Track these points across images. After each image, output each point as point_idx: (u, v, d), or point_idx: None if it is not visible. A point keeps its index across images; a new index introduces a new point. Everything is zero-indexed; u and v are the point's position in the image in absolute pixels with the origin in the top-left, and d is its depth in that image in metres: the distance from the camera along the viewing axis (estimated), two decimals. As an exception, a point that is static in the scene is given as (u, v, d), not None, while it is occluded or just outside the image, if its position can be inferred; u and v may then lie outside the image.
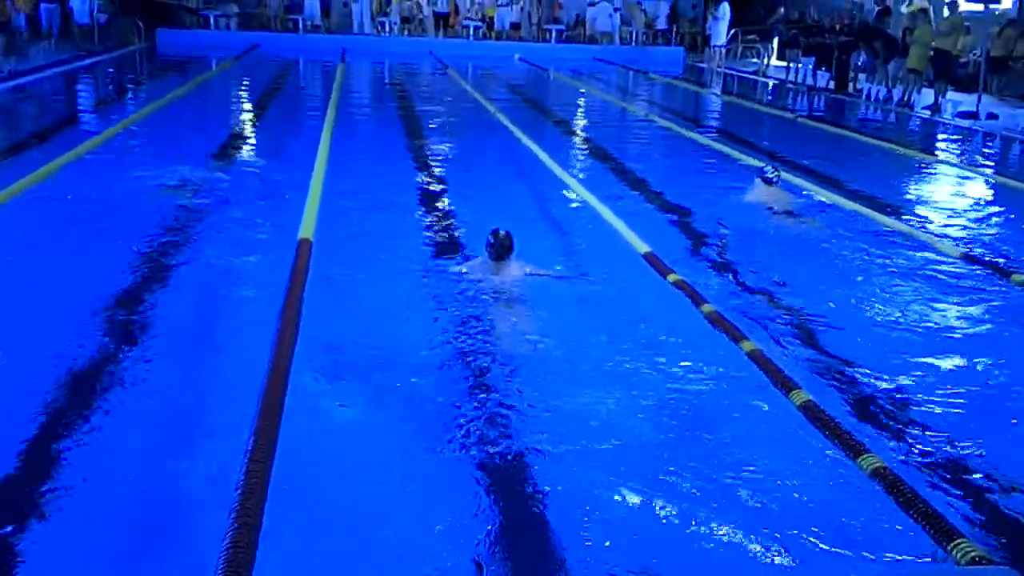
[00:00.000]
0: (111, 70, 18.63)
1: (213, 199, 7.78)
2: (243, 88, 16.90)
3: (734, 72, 22.51)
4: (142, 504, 3.36)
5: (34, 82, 15.67)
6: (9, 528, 3.10)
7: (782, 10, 22.15)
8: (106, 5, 21.51)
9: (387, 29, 25.73)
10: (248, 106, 14.63)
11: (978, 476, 3.75)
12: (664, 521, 3.30)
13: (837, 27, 19.18)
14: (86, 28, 20.69)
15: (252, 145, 10.96)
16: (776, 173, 8.21)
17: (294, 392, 3.53)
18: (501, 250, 5.50)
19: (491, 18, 26.58)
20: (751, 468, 3.63)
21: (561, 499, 3.41)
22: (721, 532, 3.24)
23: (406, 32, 26.33)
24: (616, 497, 3.41)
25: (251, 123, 12.86)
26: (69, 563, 3.05)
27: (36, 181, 7.44)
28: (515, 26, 26.75)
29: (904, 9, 18.06)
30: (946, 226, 8.07)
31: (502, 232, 5.53)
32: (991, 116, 14.42)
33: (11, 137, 11.09)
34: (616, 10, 26.43)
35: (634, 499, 3.39)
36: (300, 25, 25.06)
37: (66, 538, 3.15)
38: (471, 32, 26.03)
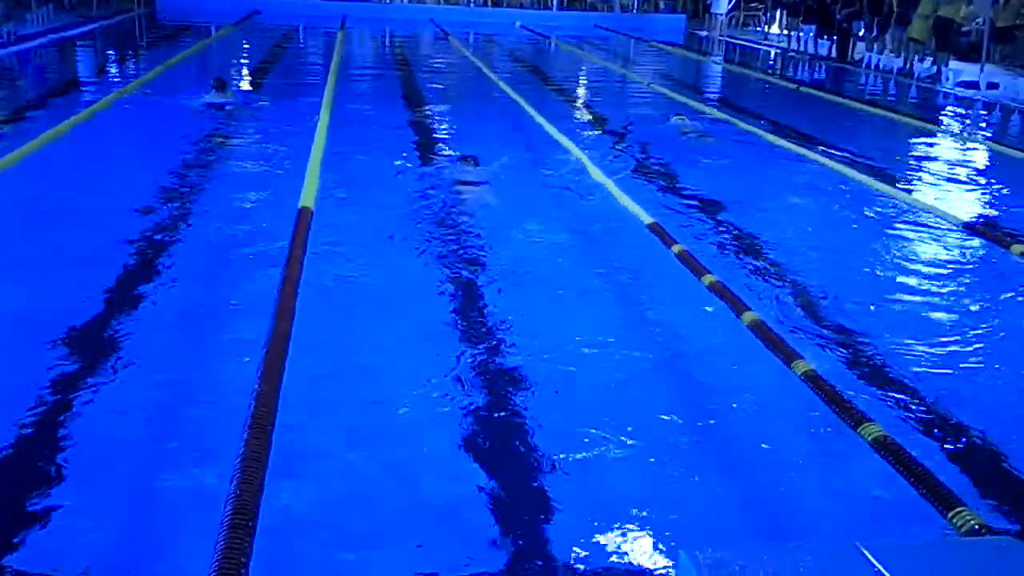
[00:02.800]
0: (114, 36, 18.54)
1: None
2: (244, 55, 16.83)
3: (736, 40, 22.39)
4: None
5: (41, 46, 15.67)
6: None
7: None
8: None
9: (387, -6, 25.59)
10: (251, 68, 14.56)
11: (973, 450, 3.81)
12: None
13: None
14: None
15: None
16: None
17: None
18: (468, 159, 7.97)
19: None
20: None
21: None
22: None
23: (406, -1, 26.19)
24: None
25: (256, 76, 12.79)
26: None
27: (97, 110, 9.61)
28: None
29: None
30: (946, 194, 8.09)
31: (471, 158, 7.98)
32: (992, 86, 14.38)
33: (44, 89, 12.48)
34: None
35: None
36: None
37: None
38: (471, -1, 25.89)
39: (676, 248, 5.48)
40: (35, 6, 17.87)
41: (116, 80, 13.12)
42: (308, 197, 6.14)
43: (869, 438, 3.20)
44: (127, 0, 22.13)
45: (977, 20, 17.30)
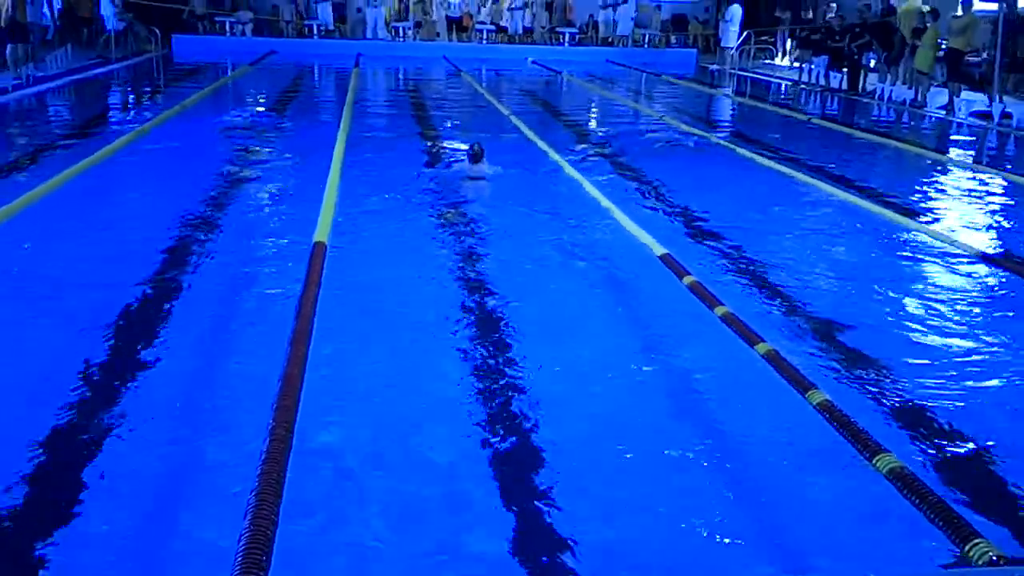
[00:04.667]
0: (133, 76, 18.85)
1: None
2: (263, 91, 17.06)
3: (747, 73, 22.49)
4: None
5: (60, 87, 15.97)
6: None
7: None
8: (123, 13, 21.67)
9: (401, 34, 25.83)
10: (267, 107, 14.74)
11: (991, 481, 3.77)
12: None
13: (847, 27, 19.11)
14: (105, 35, 20.87)
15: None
16: None
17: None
18: (477, 155, 8.91)
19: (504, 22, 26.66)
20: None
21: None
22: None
23: (419, 37, 26.43)
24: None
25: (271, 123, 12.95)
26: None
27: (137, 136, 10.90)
28: (528, 31, 26.81)
29: (900, 8, 18.04)
30: (961, 226, 8.06)
31: (476, 145, 8.96)
32: (1006, 115, 14.36)
33: (90, 116, 13.69)
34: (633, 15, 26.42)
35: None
36: (315, 31, 25.19)
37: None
38: (484, 36, 26.09)
39: (687, 279, 5.47)
40: (53, 46, 18.15)
41: (140, 116, 13.31)
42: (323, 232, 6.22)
43: (884, 469, 3.17)
44: (144, 42, 22.44)
45: (988, 50, 17.33)
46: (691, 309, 5.15)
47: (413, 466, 3.73)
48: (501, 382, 4.51)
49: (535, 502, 3.48)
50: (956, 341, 5.26)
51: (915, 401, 4.43)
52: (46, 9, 18.87)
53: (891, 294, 6.07)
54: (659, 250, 6.13)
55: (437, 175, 9.44)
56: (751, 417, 4.22)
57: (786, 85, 20.64)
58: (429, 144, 11.50)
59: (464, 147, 9.42)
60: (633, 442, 3.98)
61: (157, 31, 22.53)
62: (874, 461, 3.22)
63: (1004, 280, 6.38)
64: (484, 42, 26.03)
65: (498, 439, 3.94)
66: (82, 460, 3.66)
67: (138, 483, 3.54)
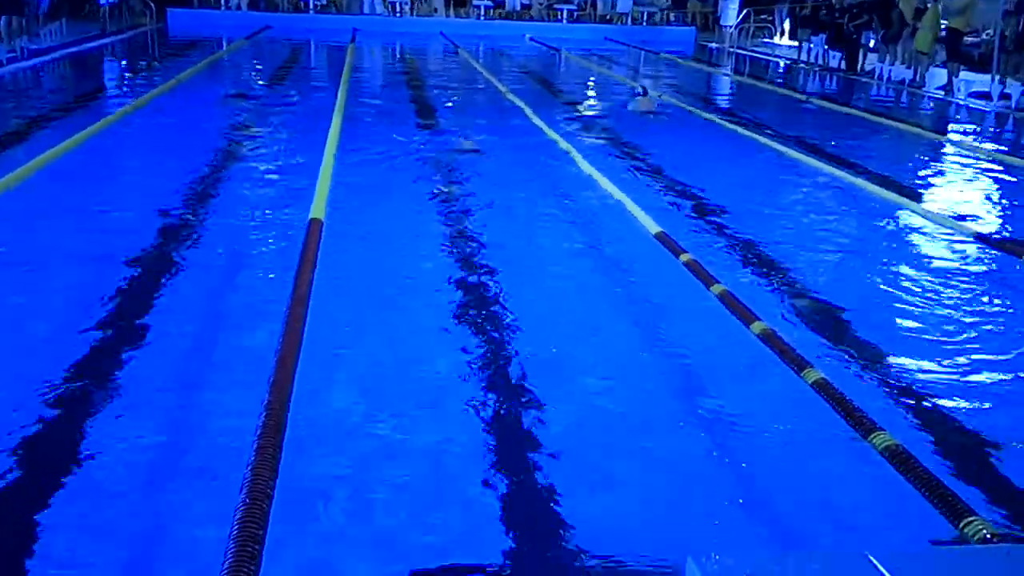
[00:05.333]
0: (128, 50, 18.72)
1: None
2: (258, 66, 16.95)
3: (745, 52, 22.39)
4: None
5: (55, 60, 15.87)
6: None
7: None
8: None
9: (398, 10, 25.65)
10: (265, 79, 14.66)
11: (989, 461, 3.79)
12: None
13: (846, 7, 19.02)
14: (97, 8, 20.69)
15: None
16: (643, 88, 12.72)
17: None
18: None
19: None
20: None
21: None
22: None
23: (415, 12, 26.25)
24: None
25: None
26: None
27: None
28: (526, 7, 26.64)
29: None
30: (959, 206, 8.05)
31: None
32: (1004, 96, 14.33)
33: (86, 89, 13.71)
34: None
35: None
36: (310, 5, 25.01)
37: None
38: (481, 12, 25.93)
39: (684, 257, 5.47)
40: (45, 22, 17.99)
41: (136, 88, 13.23)
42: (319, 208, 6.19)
43: (880, 447, 3.18)
44: (139, 16, 22.25)
45: (987, 31, 17.28)
46: (687, 287, 5.15)
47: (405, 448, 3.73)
48: (496, 364, 4.50)
49: (531, 484, 3.48)
50: (952, 320, 5.27)
51: (911, 380, 4.44)
52: None
53: (887, 273, 6.07)
54: (655, 228, 6.13)
55: (432, 147, 9.50)
56: (747, 395, 4.23)
57: (785, 64, 20.55)
58: (424, 120, 11.46)
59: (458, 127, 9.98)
60: (628, 421, 3.99)
61: (152, 4, 22.34)
62: (869, 439, 3.23)
63: (1000, 260, 6.39)
64: (482, 18, 25.86)
65: (494, 422, 3.94)
66: (73, 434, 3.66)
67: (128, 459, 3.53)
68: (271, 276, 5.50)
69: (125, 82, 14.70)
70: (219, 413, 3.84)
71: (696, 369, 4.55)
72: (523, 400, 4.08)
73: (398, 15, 25.62)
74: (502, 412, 3.97)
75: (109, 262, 5.60)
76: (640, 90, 12.70)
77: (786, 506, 3.46)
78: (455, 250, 6.21)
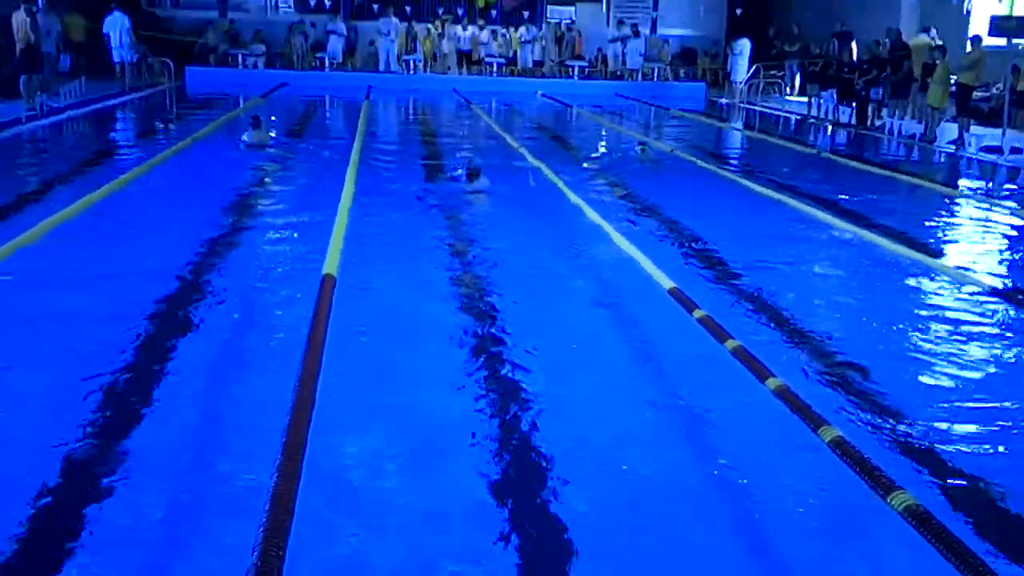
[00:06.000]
0: (146, 108, 19.03)
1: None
2: (275, 122, 17.19)
3: (756, 107, 22.56)
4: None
5: (77, 116, 16.21)
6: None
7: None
8: (137, 45, 21.88)
9: (411, 67, 26.04)
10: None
11: (1004, 515, 3.72)
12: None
13: (855, 63, 19.19)
14: (119, 66, 21.08)
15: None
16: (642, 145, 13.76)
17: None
18: (473, 173, 10.00)
19: (514, 53, 26.82)
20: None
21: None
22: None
23: (429, 70, 26.62)
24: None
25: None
26: None
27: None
28: (537, 64, 27.00)
29: (911, 43, 18.11)
30: (973, 260, 8.03)
31: (472, 167, 10.09)
32: (1016, 150, 14.36)
33: (102, 147, 14.02)
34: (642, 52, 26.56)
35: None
36: (326, 63, 25.41)
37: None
38: (494, 69, 26.29)
39: (698, 313, 5.45)
40: (65, 80, 18.32)
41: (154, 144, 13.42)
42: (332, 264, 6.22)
43: (900, 507, 3.12)
44: (158, 74, 22.64)
45: (997, 85, 17.37)
46: (701, 343, 5.12)
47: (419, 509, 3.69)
48: (508, 416, 4.48)
49: (547, 536, 3.44)
50: (968, 375, 5.21)
51: (929, 437, 4.38)
52: (54, 33, 18.95)
53: (901, 328, 6.03)
54: (668, 283, 6.12)
55: (443, 199, 9.75)
56: (761, 453, 4.19)
57: (795, 119, 20.69)
58: (437, 172, 11.61)
59: (463, 170, 10.38)
60: (640, 478, 3.95)
61: (171, 63, 22.75)
62: (889, 499, 3.17)
63: (1016, 314, 6.35)
64: (494, 75, 26.21)
65: (505, 474, 3.91)
66: (85, 499, 3.64)
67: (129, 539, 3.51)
68: (280, 336, 5.50)
69: (142, 140, 14.87)
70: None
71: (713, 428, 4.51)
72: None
73: (412, 72, 25.98)
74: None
75: (120, 322, 5.61)
76: (639, 145, 13.87)
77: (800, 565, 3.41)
78: (467, 305, 6.22)
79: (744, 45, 23.76)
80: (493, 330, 5.71)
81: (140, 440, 4.10)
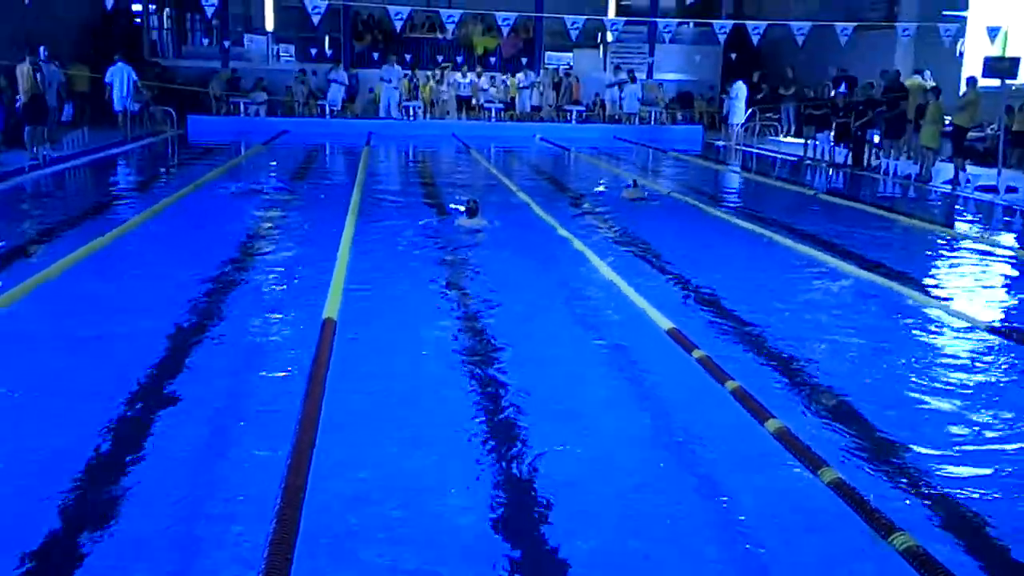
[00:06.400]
0: (149, 156, 19.20)
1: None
2: (276, 168, 17.35)
3: (752, 149, 22.73)
4: None
5: (80, 166, 16.38)
6: None
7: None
8: (139, 95, 22.09)
9: (411, 114, 26.29)
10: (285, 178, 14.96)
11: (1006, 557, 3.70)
12: None
13: (851, 104, 19.36)
14: (121, 115, 21.25)
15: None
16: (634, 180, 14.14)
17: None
18: (473, 209, 10.48)
19: (513, 99, 27.09)
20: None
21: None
22: None
23: (428, 116, 26.87)
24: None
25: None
26: None
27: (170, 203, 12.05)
28: (535, 108, 27.25)
29: (906, 83, 18.30)
30: (970, 299, 8.05)
31: (471, 201, 10.61)
32: (1011, 190, 14.46)
33: (103, 197, 13.78)
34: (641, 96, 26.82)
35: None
36: (327, 110, 25.66)
37: None
38: (492, 114, 26.53)
39: (697, 353, 5.46)
40: (67, 130, 18.49)
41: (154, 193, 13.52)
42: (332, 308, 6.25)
43: (900, 548, 3.11)
44: (160, 123, 22.83)
45: (992, 126, 17.53)
46: (700, 384, 5.13)
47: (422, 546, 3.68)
48: (508, 454, 4.47)
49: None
50: (970, 416, 5.21)
51: (929, 478, 4.37)
52: (55, 83, 19.12)
53: (900, 368, 6.03)
54: (666, 324, 6.14)
55: (443, 241, 9.90)
56: (761, 494, 4.17)
57: (791, 160, 20.84)
58: (436, 214, 11.71)
59: (463, 207, 10.79)
60: (641, 519, 3.94)
61: (173, 112, 22.95)
62: (889, 540, 3.16)
63: (1016, 352, 6.35)
64: (493, 120, 26.44)
65: (505, 509, 3.90)
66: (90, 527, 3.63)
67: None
68: (284, 373, 5.52)
69: (144, 188, 14.93)
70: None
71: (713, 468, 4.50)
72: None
73: (412, 119, 26.22)
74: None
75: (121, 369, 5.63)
76: (631, 182, 14.19)
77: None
78: (467, 349, 6.23)
79: (740, 88, 24.00)
80: (491, 371, 5.72)
81: (139, 476, 4.10)
